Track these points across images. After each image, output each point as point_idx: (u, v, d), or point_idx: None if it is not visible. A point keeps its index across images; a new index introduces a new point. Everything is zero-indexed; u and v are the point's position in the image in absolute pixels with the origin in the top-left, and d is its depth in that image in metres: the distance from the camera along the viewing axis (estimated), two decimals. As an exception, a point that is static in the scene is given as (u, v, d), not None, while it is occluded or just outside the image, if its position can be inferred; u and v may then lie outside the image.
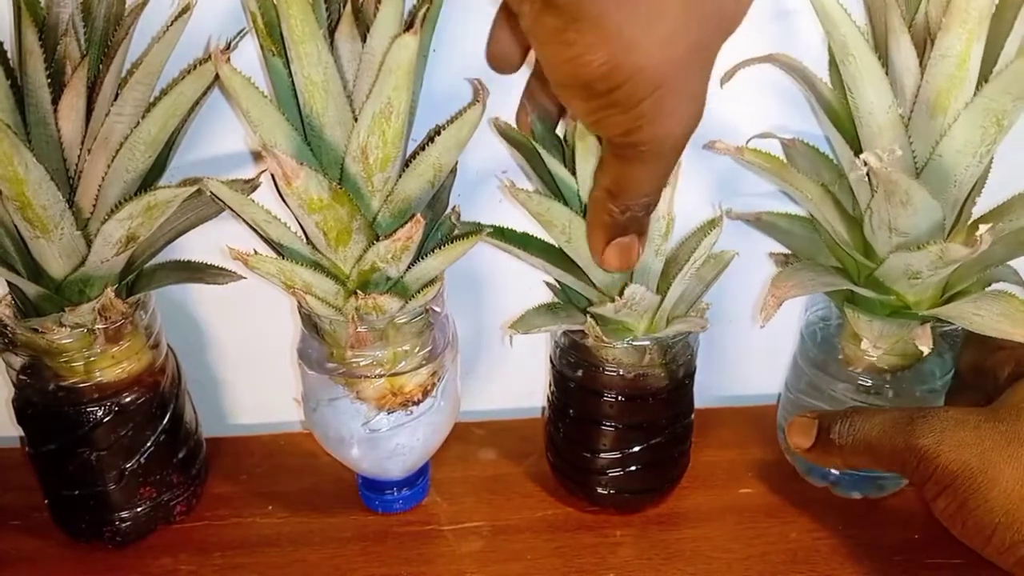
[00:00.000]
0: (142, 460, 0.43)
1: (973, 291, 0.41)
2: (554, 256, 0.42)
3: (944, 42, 0.34)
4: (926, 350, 0.40)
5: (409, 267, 0.39)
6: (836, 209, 0.41)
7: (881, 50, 0.37)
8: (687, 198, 0.40)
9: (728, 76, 0.41)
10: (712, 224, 0.41)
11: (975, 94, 0.35)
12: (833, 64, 0.41)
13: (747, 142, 0.42)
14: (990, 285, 0.41)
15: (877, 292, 0.41)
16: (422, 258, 0.39)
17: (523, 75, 0.40)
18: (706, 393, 0.49)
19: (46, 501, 0.44)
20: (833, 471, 0.47)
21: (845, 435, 0.40)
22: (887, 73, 0.36)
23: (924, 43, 0.36)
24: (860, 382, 0.44)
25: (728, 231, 0.48)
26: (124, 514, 0.44)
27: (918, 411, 0.39)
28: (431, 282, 0.40)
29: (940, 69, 0.35)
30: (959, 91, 0.35)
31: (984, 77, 0.35)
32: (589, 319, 0.42)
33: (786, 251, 0.47)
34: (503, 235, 0.42)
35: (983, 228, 0.34)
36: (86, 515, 0.44)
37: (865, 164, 0.35)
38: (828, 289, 0.42)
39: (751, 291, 0.52)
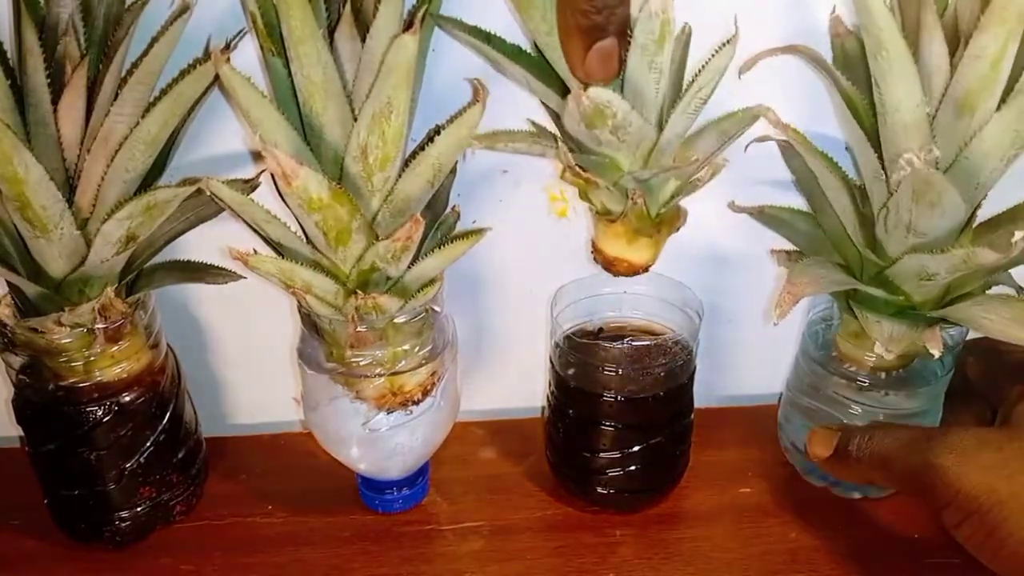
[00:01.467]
0: (142, 460, 0.43)
1: (975, 293, 0.41)
2: (542, 72, 0.37)
3: (980, 42, 0.33)
4: (936, 353, 0.39)
5: (409, 267, 0.39)
6: (852, 203, 0.41)
7: (910, 47, 0.36)
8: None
9: (748, 65, 0.41)
10: (725, 43, 0.35)
11: (1008, 96, 0.34)
12: (838, 59, 0.41)
13: (747, 145, 0.43)
14: (991, 287, 0.41)
15: (887, 291, 0.41)
16: (422, 258, 0.39)
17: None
18: (706, 393, 0.49)
19: (46, 501, 0.44)
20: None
21: (863, 448, 0.40)
22: None
23: (952, 41, 0.35)
24: (859, 381, 0.44)
25: (729, 229, 0.48)
26: (124, 514, 0.44)
27: (937, 429, 0.38)
28: (431, 282, 0.40)
29: (972, 69, 0.34)
30: (990, 92, 0.34)
31: (1014, 79, 0.34)
32: (562, 144, 0.37)
33: (787, 248, 0.46)
34: (489, 40, 0.38)
35: (1019, 235, 0.33)
36: (86, 515, 0.44)
37: (909, 165, 0.34)
38: (842, 288, 0.41)
39: (751, 290, 0.52)
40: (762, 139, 0.43)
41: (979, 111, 0.35)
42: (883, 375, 0.44)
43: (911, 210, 0.36)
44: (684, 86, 0.36)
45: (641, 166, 0.37)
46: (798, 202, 0.46)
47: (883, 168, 0.38)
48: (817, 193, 0.43)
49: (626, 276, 0.41)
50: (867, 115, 0.39)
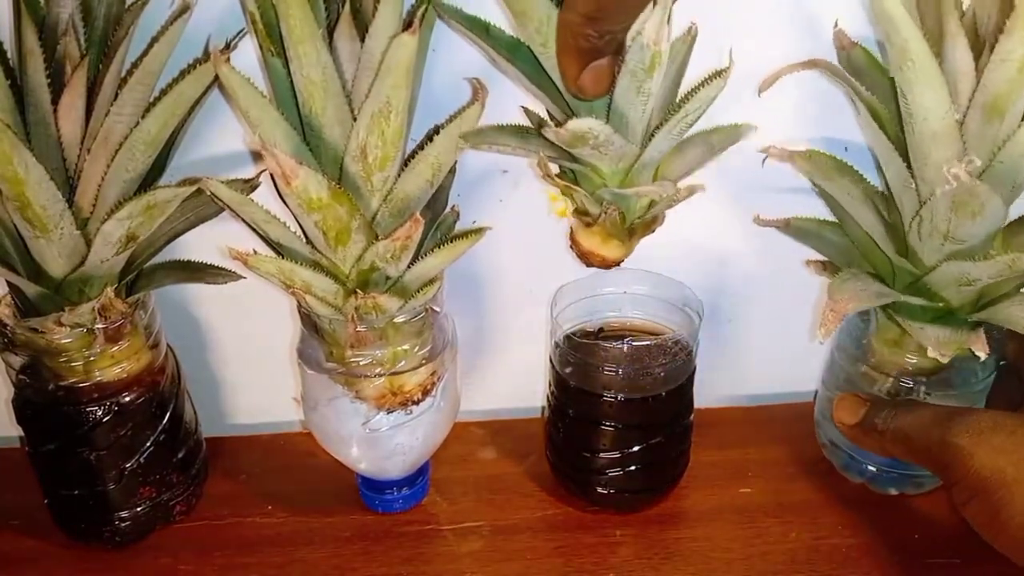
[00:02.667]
0: (142, 460, 0.43)
1: (1011, 294, 0.40)
2: (540, 74, 0.37)
3: (1006, 45, 0.33)
4: (983, 355, 0.39)
5: (408, 266, 0.39)
6: (876, 215, 0.41)
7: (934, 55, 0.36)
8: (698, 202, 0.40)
9: (769, 82, 0.41)
10: (717, 75, 0.35)
11: None
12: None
13: (763, 160, 0.42)
14: (1023, 287, 0.41)
15: (926, 299, 0.41)
16: (421, 257, 0.39)
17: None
18: (706, 393, 0.49)
19: (46, 501, 0.44)
20: (870, 467, 0.47)
21: (888, 422, 0.41)
22: None
23: (973, 46, 0.35)
24: (903, 383, 0.44)
25: (729, 229, 0.48)
26: (124, 514, 0.44)
27: (957, 410, 0.39)
28: (430, 282, 0.40)
29: (1000, 74, 0.34)
30: (1018, 95, 0.34)
31: None
32: (542, 152, 0.37)
33: (821, 259, 0.46)
34: (487, 32, 0.37)
35: None
36: (86, 515, 0.44)
37: (955, 179, 0.34)
38: (884, 301, 0.41)
39: (751, 290, 0.52)
40: (773, 154, 0.42)
41: (1009, 114, 0.35)
42: (924, 379, 0.44)
43: (949, 220, 0.36)
44: (677, 100, 0.36)
45: (622, 177, 0.38)
46: (817, 207, 0.46)
47: (912, 176, 0.38)
48: (838, 203, 0.43)
49: (600, 268, 0.42)
50: (891, 125, 0.38)
